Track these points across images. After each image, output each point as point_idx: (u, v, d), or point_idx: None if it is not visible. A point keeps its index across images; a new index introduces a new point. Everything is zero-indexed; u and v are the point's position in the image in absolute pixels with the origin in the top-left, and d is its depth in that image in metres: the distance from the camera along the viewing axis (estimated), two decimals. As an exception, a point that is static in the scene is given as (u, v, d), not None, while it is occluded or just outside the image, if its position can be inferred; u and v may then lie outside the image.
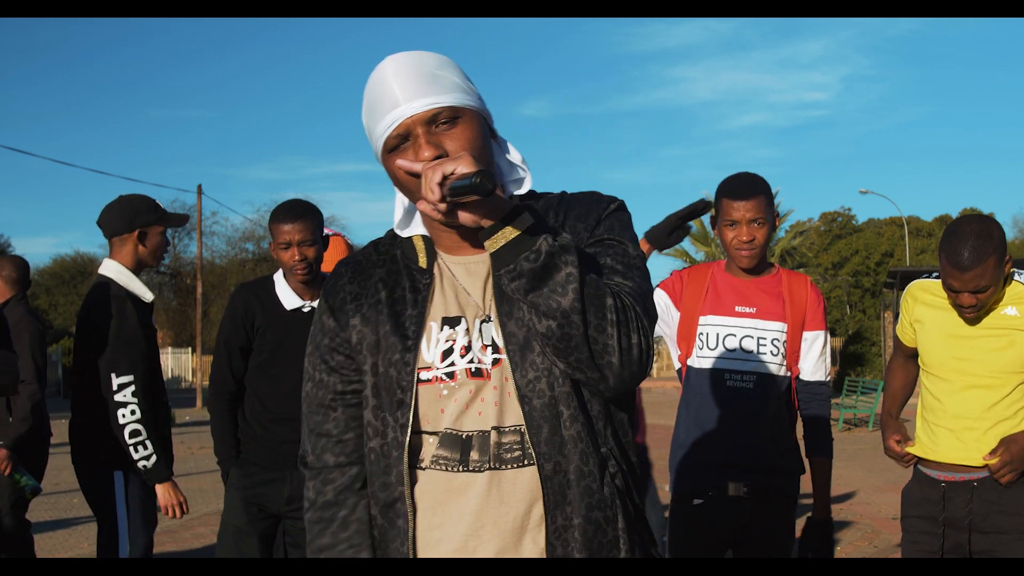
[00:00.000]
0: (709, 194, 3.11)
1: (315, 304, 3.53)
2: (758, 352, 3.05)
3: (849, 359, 28.96)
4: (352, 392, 1.65)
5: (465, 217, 1.46)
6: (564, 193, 1.69)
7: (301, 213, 3.47)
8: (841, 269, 52.64)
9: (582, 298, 1.45)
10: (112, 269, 3.65)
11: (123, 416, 3.45)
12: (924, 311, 3.02)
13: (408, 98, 1.51)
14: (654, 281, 3.14)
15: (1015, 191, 79.51)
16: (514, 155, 1.67)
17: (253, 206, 73.79)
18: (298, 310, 3.54)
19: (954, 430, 2.89)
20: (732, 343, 3.07)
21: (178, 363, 39.91)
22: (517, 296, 1.48)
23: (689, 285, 3.15)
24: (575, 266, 1.46)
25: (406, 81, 1.52)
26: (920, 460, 3.02)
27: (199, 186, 31.24)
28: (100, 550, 3.57)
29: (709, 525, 3.04)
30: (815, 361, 3.12)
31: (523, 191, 1.66)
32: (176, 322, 39.85)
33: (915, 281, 3.11)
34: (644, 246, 3.09)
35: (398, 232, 1.68)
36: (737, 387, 3.05)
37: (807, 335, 3.11)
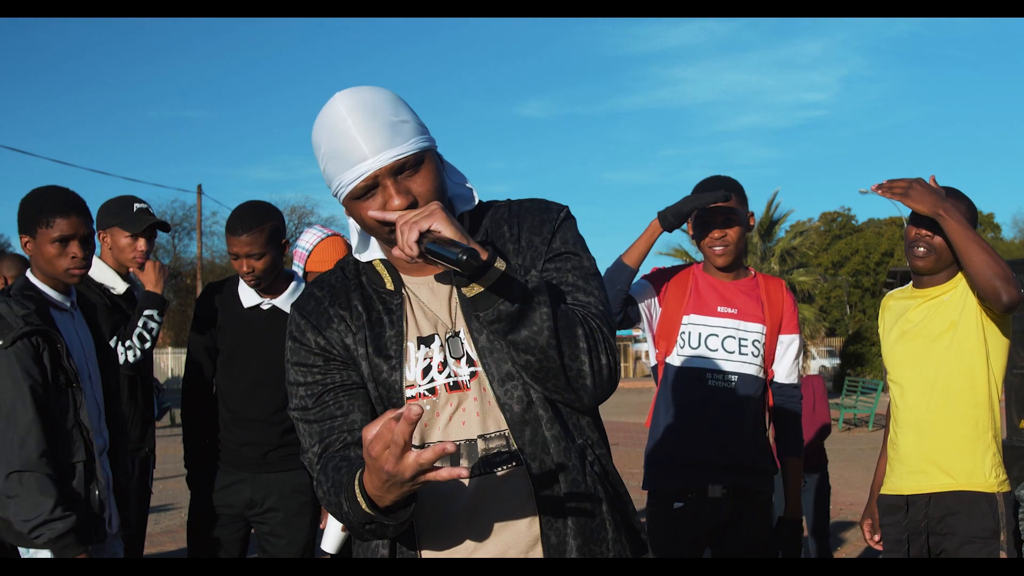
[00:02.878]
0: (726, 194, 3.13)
1: (274, 302, 3.51)
2: (739, 352, 3.10)
3: (849, 359, 28.98)
4: (352, 384, 1.67)
5: (441, 266, 1.53)
6: (510, 202, 1.76)
7: (251, 225, 3.38)
8: (841, 269, 52.64)
9: (556, 333, 1.55)
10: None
11: None
12: (888, 316, 3.14)
13: (374, 151, 1.55)
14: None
15: (1015, 191, 79.64)
16: (458, 175, 1.74)
17: (253, 206, 73.31)
18: (256, 307, 3.51)
19: (910, 458, 2.96)
20: (714, 343, 3.11)
21: (178, 363, 39.91)
22: (496, 337, 1.58)
23: (672, 285, 3.19)
24: (548, 304, 1.55)
25: (368, 134, 1.55)
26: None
27: (199, 186, 31.31)
28: None
29: (689, 527, 3.07)
30: (790, 364, 3.20)
31: (471, 207, 1.73)
32: (176, 322, 39.82)
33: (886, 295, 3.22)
34: (655, 225, 3.10)
35: (357, 257, 1.73)
36: (718, 386, 3.09)
37: (783, 338, 3.19)
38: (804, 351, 27.84)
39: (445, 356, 1.65)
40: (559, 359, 1.56)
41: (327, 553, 3.49)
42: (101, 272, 3.83)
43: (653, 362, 3.23)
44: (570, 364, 1.57)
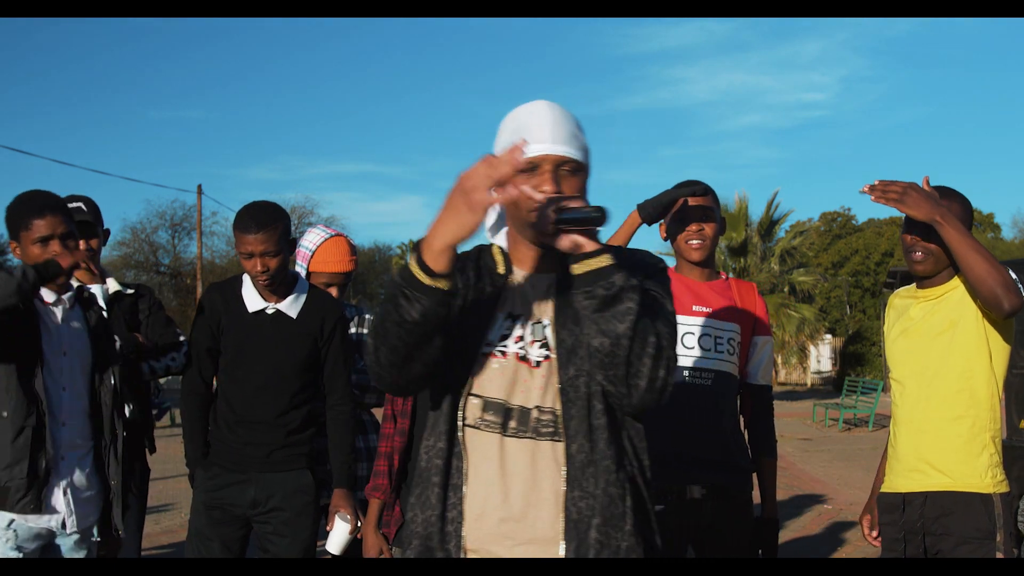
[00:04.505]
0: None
1: (279, 307, 3.47)
2: (715, 350, 3.13)
3: (849, 359, 29.00)
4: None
5: (564, 242, 1.79)
6: (620, 248, 2.06)
7: (265, 223, 3.35)
8: (841, 269, 52.63)
9: (634, 328, 1.77)
10: None
11: None
12: (892, 314, 3.14)
13: (554, 140, 1.88)
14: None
15: (1015, 191, 79.50)
16: None
17: (253, 206, 73.29)
18: (261, 312, 3.47)
19: (907, 456, 2.96)
20: (691, 341, 3.13)
21: (178, 363, 39.90)
22: (585, 313, 1.80)
23: None
24: (636, 303, 1.78)
25: (556, 127, 1.89)
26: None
27: (199, 186, 31.34)
28: None
29: (671, 528, 3.06)
30: (763, 365, 3.24)
31: None
32: (176, 322, 39.89)
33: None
34: (634, 217, 3.17)
35: (489, 236, 2.06)
36: (695, 384, 3.11)
37: (756, 339, 3.23)
38: (804, 351, 27.75)
39: (523, 334, 1.94)
40: (627, 352, 1.77)
41: (331, 555, 3.49)
42: None
43: None
44: (634, 361, 1.78)
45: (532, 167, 1.86)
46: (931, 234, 2.86)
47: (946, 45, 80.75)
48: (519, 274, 2.00)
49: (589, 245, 1.79)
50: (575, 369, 1.89)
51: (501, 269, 2.00)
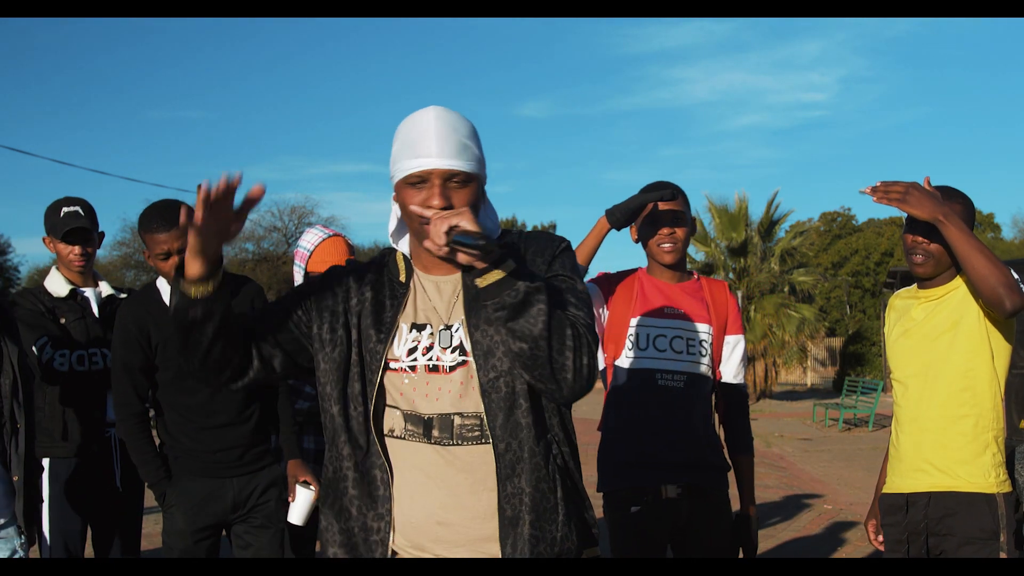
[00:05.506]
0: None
1: None
2: (688, 352, 3.15)
3: (849, 359, 28.97)
4: (297, 323, 2.01)
5: (461, 258, 1.80)
6: (521, 231, 2.11)
7: (176, 219, 3.20)
8: (841, 269, 52.62)
9: (549, 327, 1.81)
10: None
11: None
12: (892, 315, 3.14)
13: (440, 154, 1.89)
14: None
15: (1015, 191, 79.47)
16: (493, 211, 2.07)
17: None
18: None
19: (909, 457, 2.96)
20: (663, 343, 3.15)
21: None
22: (499, 323, 1.83)
23: (618, 289, 3.24)
24: (545, 303, 1.81)
25: (441, 140, 1.89)
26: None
27: (199, 186, 31.21)
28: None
29: (649, 529, 3.09)
30: (737, 364, 3.27)
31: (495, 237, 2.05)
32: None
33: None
34: (603, 223, 3.18)
35: (392, 241, 2.07)
36: (668, 386, 3.13)
37: (729, 339, 3.25)
38: (804, 351, 27.77)
39: (433, 343, 1.95)
40: (548, 351, 1.81)
41: (295, 525, 3.51)
42: (51, 276, 3.93)
43: (602, 365, 3.25)
44: (556, 357, 1.82)
45: (421, 180, 1.89)
46: (933, 234, 2.86)
47: (946, 45, 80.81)
48: (422, 278, 2.02)
49: (481, 261, 1.81)
50: (494, 371, 1.91)
51: (402, 277, 2.03)
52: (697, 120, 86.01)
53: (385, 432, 1.97)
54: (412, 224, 1.93)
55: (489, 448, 1.91)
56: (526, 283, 1.81)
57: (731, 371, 3.26)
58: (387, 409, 1.97)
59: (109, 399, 3.81)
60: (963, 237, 2.72)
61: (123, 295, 4.02)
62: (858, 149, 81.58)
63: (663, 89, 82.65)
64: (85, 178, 65.55)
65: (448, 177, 1.89)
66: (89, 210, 3.87)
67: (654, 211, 3.17)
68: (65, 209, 3.81)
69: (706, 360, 3.17)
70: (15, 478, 3.07)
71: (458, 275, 1.98)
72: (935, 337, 2.93)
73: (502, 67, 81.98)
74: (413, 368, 1.95)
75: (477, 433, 1.92)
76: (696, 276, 3.30)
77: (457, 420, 1.92)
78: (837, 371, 30.68)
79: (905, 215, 2.91)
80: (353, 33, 76.32)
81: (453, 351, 1.94)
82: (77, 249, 3.82)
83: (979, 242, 2.73)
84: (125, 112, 67.77)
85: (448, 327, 1.96)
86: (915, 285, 3.08)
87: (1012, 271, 2.74)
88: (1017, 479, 3.35)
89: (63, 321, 3.80)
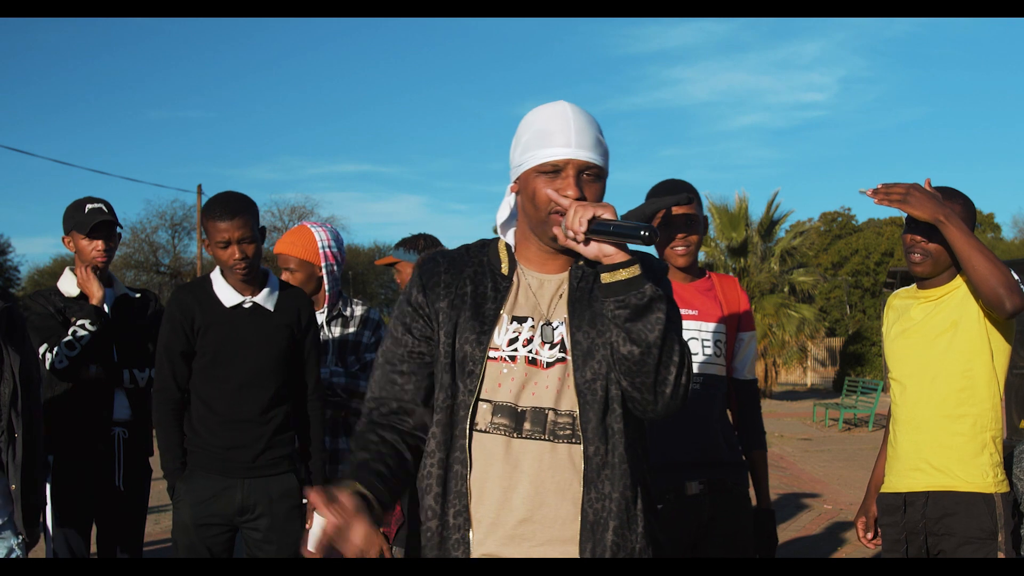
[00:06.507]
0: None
1: (256, 300, 3.40)
2: (703, 354, 3.13)
3: (849, 359, 29.00)
4: (420, 353, 2.00)
5: (591, 249, 1.85)
6: (643, 254, 2.09)
7: (238, 209, 3.30)
8: (841, 269, 52.61)
9: (664, 337, 1.82)
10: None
11: None
12: (891, 315, 3.14)
13: (578, 145, 1.90)
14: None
15: (1015, 191, 79.45)
16: None
17: (253, 206, 73.19)
18: (239, 306, 3.40)
19: (907, 456, 2.97)
20: None
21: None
22: (617, 322, 1.84)
23: None
24: (665, 312, 1.83)
25: (580, 132, 1.91)
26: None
27: (199, 186, 31.30)
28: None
29: (674, 527, 3.05)
30: (749, 361, 3.26)
31: None
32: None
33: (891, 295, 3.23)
34: None
35: (500, 232, 2.09)
36: None
37: (742, 335, 3.24)
38: (804, 351, 27.67)
39: (532, 336, 1.94)
40: (657, 360, 1.83)
41: (312, 554, 3.45)
42: (64, 277, 3.98)
43: None
44: (662, 370, 1.84)
45: (555, 170, 1.90)
46: (932, 234, 2.86)
47: (945, 45, 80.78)
48: (526, 273, 2.01)
49: (619, 255, 1.84)
50: (592, 372, 1.90)
51: (505, 268, 2.01)
52: (697, 120, 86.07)
53: (477, 428, 1.94)
54: (538, 213, 1.92)
55: (579, 448, 1.89)
56: (652, 287, 1.83)
57: (743, 367, 3.25)
58: (480, 403, 1.94)
59: (117, 398, 3.88)
60: (963, 238, 2.73)
61: (137, 295, 4.07)
62: (858, 149, 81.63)
63: (663, 89, 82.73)
64: (85, 178, 65.18)
65: (583, 169, 1.90)
66: (111, 208, 3.99)
67: (668, 215, 3.14)
68: (89, 206, 3.93)
69: (720, 360, 3.15)
70: (12, 487, 3.07)
71: (564, 274, 1.99)
72: (934, 337, 2.94)
73: (502, 67, 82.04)
74: (513, 358, 1.93)
75: (569, 432, 1.90)
76: (707, 274, 3.29)
77: (551, 416, 1.90)
78: (837, 371, 30.69)
79: (905, 215, 2.92)
80: (353, 33, 76.36)
81: (552, 347, 1.93)
82: (100, 244, 3.92)
83: (979, 243, 2.74)
84: (125, 112, 67.84)
85: (549, 324, 1.95)
86: (914, 285, 3.09)
87: (1012, 272, 2.75)
88: (1016, 480, 3.35)
89: (74, 320, 3.82)
